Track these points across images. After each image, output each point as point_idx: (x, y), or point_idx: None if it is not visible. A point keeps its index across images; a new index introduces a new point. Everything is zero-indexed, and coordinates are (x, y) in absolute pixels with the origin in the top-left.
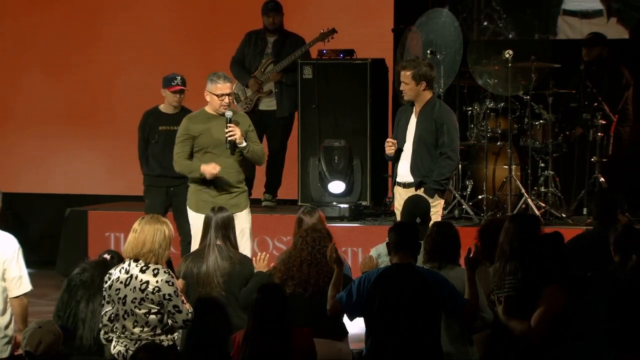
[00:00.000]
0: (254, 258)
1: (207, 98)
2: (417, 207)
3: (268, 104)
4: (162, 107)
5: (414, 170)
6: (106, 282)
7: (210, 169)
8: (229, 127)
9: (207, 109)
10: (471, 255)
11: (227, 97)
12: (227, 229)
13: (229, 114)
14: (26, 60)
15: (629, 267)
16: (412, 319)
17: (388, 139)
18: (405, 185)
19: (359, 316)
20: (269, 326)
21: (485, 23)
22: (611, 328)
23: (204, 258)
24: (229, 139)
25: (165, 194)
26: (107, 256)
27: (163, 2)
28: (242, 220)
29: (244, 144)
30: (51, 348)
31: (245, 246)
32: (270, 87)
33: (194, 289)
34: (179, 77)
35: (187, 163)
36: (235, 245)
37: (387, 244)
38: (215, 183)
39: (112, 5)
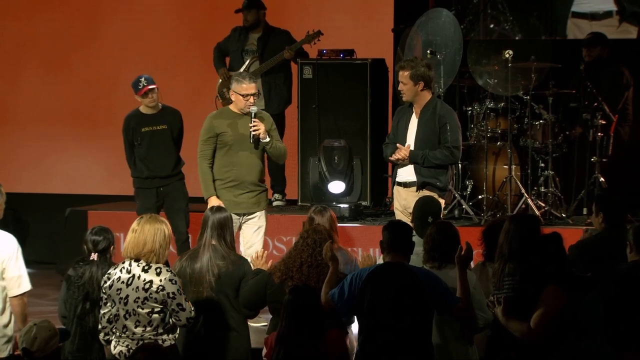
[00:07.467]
0: (253, 253)
1: (233, 97)
2: (429, 207)
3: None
4: (142, 109)
5: (417, 170)
6: (105, 282)
7: (214, 203)
8: (254, 122)
9: (232, 107)
10: (462, 253)
11: (251, 96)
12: (223, 229)
13: (254, 109)
14: (26, 60)
15: None
16: (402, 317)
17: (400, 149)
18: (406, 185)
19: (351, 313)
20: (303, 326)
21: (491, 25)
22: (616, 328)
23: (198, 257)
24: (253, 133)
25: (156, 194)
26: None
27: (163, 2)
28: (261, 219)
29: (267, 139)
30: (47, 344)
31: (259, 244)
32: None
33: (187, 288)
34: (142, 79)
35: (207, 177)
36: (230, 246)
37: (380, 242)
38: (239, 183)
39: (111, 5)
